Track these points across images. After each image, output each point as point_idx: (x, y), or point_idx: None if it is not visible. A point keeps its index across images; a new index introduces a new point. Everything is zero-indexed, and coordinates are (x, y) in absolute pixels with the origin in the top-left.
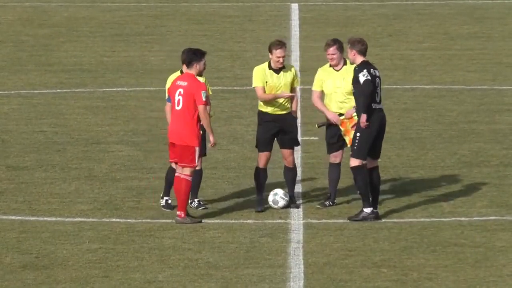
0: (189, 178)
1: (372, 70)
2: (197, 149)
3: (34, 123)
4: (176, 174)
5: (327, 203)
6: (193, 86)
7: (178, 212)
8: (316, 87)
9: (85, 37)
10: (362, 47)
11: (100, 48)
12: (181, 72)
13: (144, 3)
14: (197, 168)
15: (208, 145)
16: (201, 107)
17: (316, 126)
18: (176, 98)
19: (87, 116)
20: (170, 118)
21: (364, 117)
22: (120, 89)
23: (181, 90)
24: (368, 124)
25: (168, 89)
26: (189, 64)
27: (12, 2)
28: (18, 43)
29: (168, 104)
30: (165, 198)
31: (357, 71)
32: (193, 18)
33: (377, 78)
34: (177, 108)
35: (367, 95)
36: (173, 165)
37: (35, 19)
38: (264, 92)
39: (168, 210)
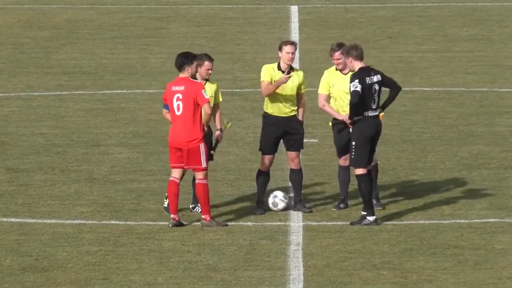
0: (204, 182)
1: (368, 78)
2: (202, 150)
3: (33, 125)
4: (171, 179)
5: (342, 205)
6: (191, 88)
7: (203, 216)
8: (323, 91)
9: (84, 39)
10: (357, 52)
11: (99, 50)
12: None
13: (144, 5)
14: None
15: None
16: (205, 106)
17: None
18: (175, 104)
19: (86, 118)
20: (172, 123)
21: (349, 122)
22: (119, 91)
23: (178, 95)
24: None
25: (164, 96)
26: (180, 68)
27: (12, 5)
28: (18, 46)
29: (165, 111)
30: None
31: (350, 80)
32: (193, 20)
33: (375, 85)
34: (178, 113)
35: (352, 106)
36: (173, 172)
37: (34, 22)
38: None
39: (167, 213)
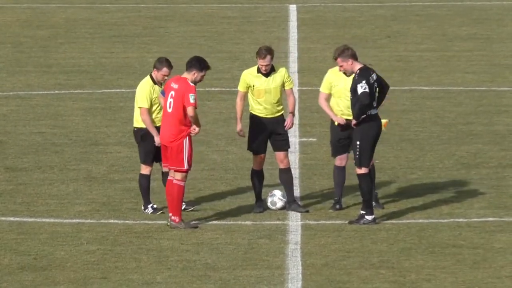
0: (181, 183)
1: (370, 78)
2: (186, 151)
3: (32, 124)
4: (169, 178)
5: (337, 206)
6: (182, 89)
7: (172, 217)
8: (324, 89)
9: (83, 38)
10: (353, 51)
11: (98, 49)
12: (151, 76)
13: (142, 4)
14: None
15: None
16: (189, 109)
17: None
18: (168, 100)
19: (85, 117)
20: (161, 120)
21: (354, 122)
22: (118, 90)
23: (172, 92)
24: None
25: (165, 85)
26: (188, 69)
27: (11, 4)
28: (16, 45)
29: (161, 95)
30: (149, 206)
31: (356, 81)
32: (192, 20)
33: (375, 83)
34: (169, 110)
35: (362, 108)
36: (170, 172)
37: (33, 21)
38: (244, 97)
39: (160, 212)
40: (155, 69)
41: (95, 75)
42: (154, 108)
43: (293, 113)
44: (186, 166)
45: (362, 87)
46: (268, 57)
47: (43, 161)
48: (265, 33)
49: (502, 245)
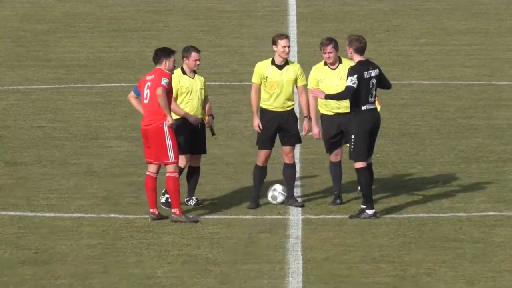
0: (175, 175)
1: (366, 73)
2: (169, 145)
3: (32, 118)
4: (147, 173)
5: (337, 201)
6: (157, 77)
7: (173, 210)
8: (311, 86)
9: (82, 32)
10: (359, 45)
11: (97, 43)
12: (181, 68)
13: None
14: (195, 165)
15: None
16: (159, 89)
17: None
18: (145, 92)
19: (85, 111)
20: (143, 111)
21: (322, 96)
22: (118, 84)
23: (148, 83)
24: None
25: (139, 82)
26: (158, 62)
27: None
28: (16, 39)
29: (132, 94)
30: (166, 195)
31: (349, 73)
32: (191, 14)
33: (373, 79)
34: (145, 101)
35: (340, 98)
36: (149, 167)
37: (33, 15)
38: (259, 89)
39: (166, 208)
40: (184, 59)
41: (95, 69)
42: (181, 97)
43: (309, 117)
44: (171, 159)
45: (351, 81)
46: (288, 38)
47: (44, 156)
48: (264, 27)
49: (502, 239)
